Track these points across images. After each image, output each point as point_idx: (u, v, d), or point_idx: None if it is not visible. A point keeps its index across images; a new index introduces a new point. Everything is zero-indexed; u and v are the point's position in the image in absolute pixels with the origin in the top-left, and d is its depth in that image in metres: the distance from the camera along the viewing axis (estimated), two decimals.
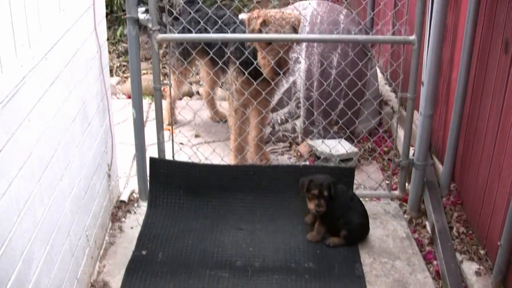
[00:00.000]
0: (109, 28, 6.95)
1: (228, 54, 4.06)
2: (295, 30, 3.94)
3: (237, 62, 4.05)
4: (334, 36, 4.00)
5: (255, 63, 3.92)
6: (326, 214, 3.58)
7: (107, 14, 6.85)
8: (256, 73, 4.00)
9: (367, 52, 4.68)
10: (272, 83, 4.04)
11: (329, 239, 3.63)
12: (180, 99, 5.59)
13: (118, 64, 6.42)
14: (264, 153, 4.54)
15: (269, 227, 3.77)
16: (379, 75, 5.69)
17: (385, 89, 5.50)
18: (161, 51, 6.33)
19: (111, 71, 6.27)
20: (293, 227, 3.78)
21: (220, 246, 3.57)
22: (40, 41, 2.44)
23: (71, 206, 2.91)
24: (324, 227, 3.64)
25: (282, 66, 3.88)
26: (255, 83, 4.04)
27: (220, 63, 4.09)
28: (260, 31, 3.85)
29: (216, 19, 4.06)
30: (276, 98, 4.79)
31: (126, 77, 6.10)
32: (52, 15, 2.60)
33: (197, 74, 6.01)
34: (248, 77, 4.05)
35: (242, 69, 4.07)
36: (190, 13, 4.23)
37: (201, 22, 4.06)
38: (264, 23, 3.87)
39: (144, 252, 3.50)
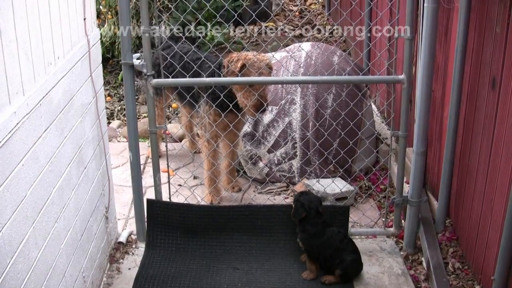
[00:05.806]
0: (110, 72, 7.10)
1: (196, 88, 4.29)
2: (271, 69, 4.17)
3: (205, 96, 4.24)
4: (325, 78, 4.06)
5: (221, 96, 4.07)
6: (312, 251, 3.64)
7: (108, 59, 7.03)
8: (223, 106, 4.18)
9: (360, 92, 4.75)
10: (239, 115, 4.23)
11: (324, 277, 3.64)
12: (176, 141, 5.74)
13: (119, 108, 6.48)
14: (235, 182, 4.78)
15: (265, 266, 3.78)
16: (376, 113, 5.76)
17: (382, 127, 5.56)
18: None
19: (112, 114, 6.35)
20: (289, 265, 3.79)
21: (216, 286, 3.58)
22: (34, 88, 2.51)
23: (67, 248, 2.95)
24: (314, 264, 3.65)
25: (259, 106, 4.10)
26: (223, 115, 4.24)
27: (188, 97, 4.29)
28: (238, 74, 4.03)
29: (190, 62, 4.29)
30: (272, 139, 4.87)
31: None
32: (46, 63, 2.67)
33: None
34: (216, 109, 4.27)
35: (211, 102, 4.28)
36: (167, 58, 4.33)
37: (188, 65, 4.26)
38: (244, 66, 4.04)
39: None
